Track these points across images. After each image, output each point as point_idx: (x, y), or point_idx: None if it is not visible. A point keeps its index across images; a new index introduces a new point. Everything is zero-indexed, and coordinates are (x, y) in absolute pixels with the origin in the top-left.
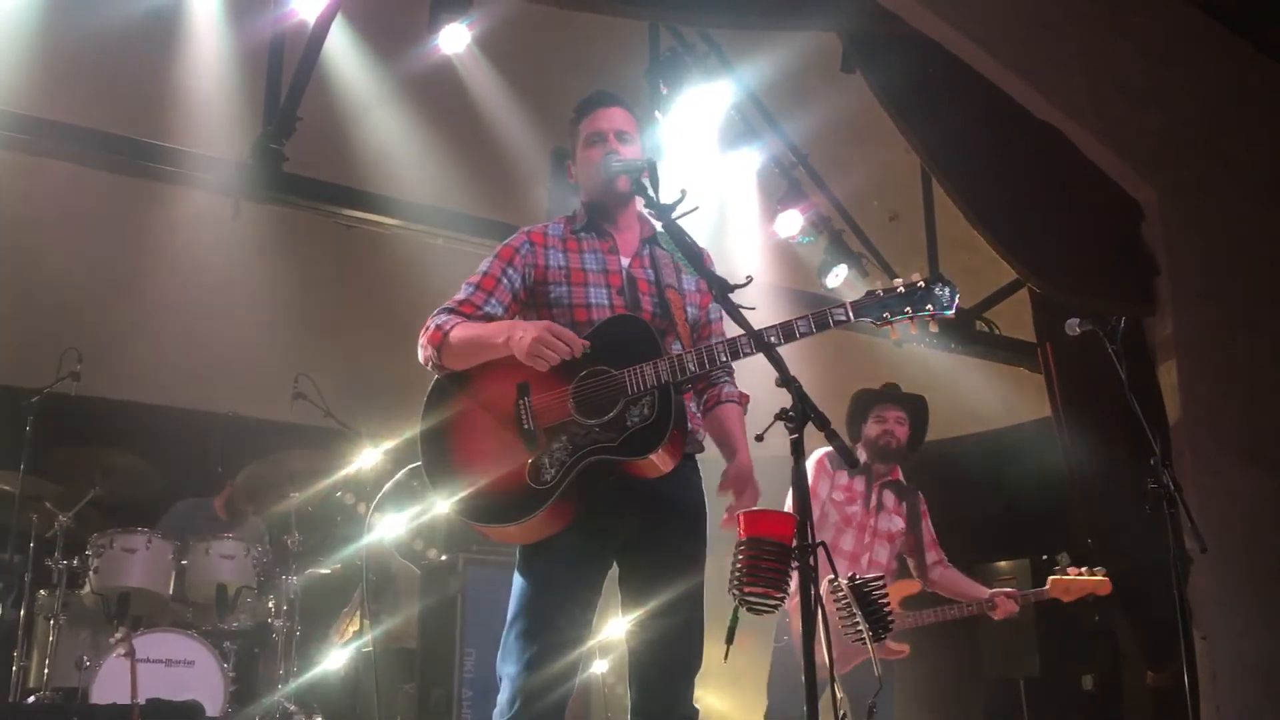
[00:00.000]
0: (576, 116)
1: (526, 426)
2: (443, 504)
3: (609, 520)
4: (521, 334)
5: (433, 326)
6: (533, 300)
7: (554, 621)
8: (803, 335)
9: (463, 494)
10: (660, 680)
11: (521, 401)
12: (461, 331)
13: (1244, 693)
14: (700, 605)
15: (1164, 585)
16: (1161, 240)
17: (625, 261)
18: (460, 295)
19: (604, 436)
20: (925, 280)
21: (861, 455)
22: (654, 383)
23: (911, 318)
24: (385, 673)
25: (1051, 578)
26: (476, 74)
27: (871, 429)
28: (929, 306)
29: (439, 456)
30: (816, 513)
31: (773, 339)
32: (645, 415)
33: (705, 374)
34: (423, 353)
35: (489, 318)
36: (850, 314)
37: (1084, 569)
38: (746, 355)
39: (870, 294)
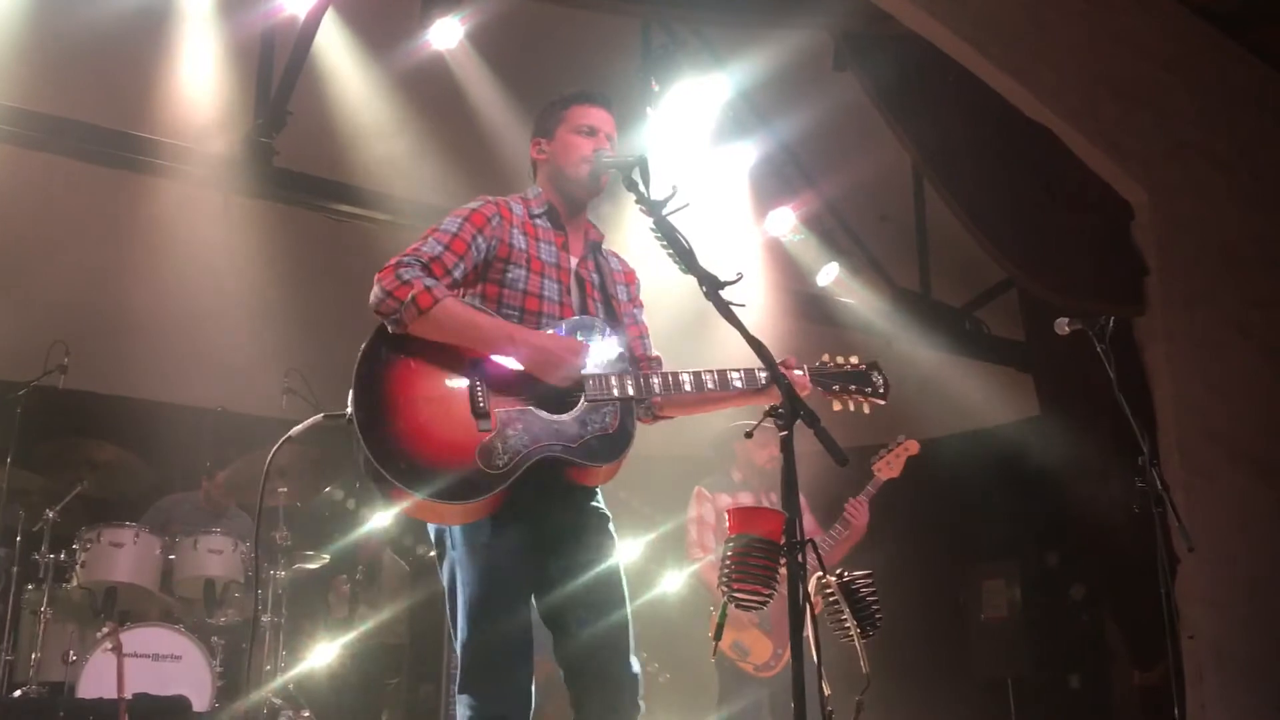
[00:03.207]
0: (564, 101)
1: (481, 405)
2: (371, 461)
3: (538, 516)
4: (548, 355)
5: (419, 287)
6: (482, 274)
7: (508, 614)
8: (765, 385)
9: (401, 458)
10: (607, 666)
11: (479, 378)
12: (455, 310)
13: (1230, 692)
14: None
15: (1151, 585)
16: (1152, 241)
17: (574, 262)
18: (430, 251)
19: (562, 435)
20: (866, 364)
21: (737, 476)
22: (618, 393)
23: (851, 395)
24: (372, 668)
25: (873, 466)
26: (468, 69)
27: (759, 455)
28: (867, 389)
29: (379, 413)
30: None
31: (738, 382)
32: (605, 424)
33: (664, 397)
34: (389, 303)
35: (455, 284)
36: (807, 378)
37: (890, 444)
38: (710, 390)
39: (822, 364)
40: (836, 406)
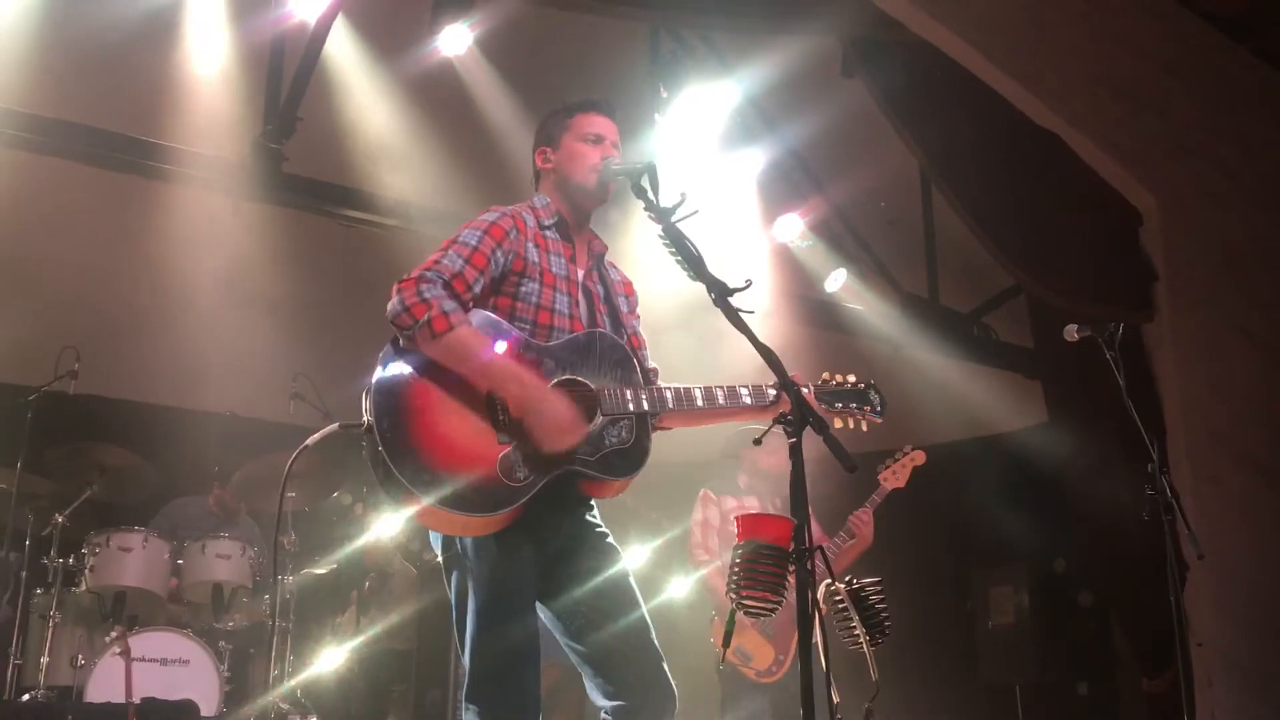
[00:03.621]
0: (569, 110)
1: (501, 418)
2: (393, 471)
3: (549, 527)
4: (547, 407)
5: (437, 309)
6: (496, 287)
7: (518, 622)
8: (772, 400)
9: (424, 469)
10: (645, 667)
11: (495, 391)
12: (468, 340)
13: (1239, 700)
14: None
15: (1160, 591)
16: (1160, 246)
17: (581, 274)
18: (452, 266)
19: (582, 449)
20: (864, 382)
21: (744, 481)
22: (633, 408)
23: (852, 413)
24: (380, 673)
25: (879, 475)
26: (477, 75)
27: (766, 460)
28: (866, 407)
29: (400, 422)
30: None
31: (747, 398)
32: (623, 438)
33: (678, 413)
34: (405, 318)
35: (475, 298)
36: (812, 394)
37: (897, 454)
38: (721, 405)
39: (824, 381)
40: (838, 424)
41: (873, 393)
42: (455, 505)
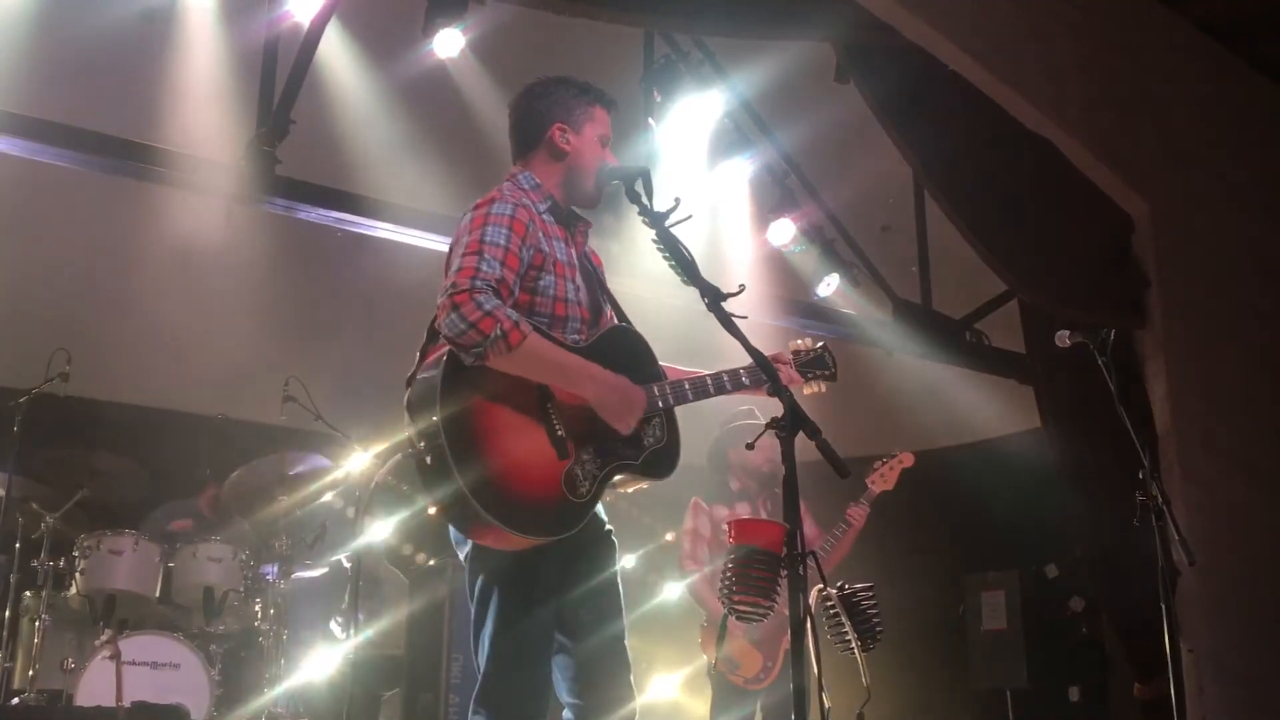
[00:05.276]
0: (593, 97)
1: (559, 433)
2: (471, 500)
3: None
4: (622, 400)
5: (507, 322)
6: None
7: (537, 623)
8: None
9: (501, 496)
10: (613, 675)
11: (550, 405)
12: (541, 347)
13: (1231, 705)
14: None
15: (1152, 597)
16: (1152, 253)
17: (576, 255)
18: (493, 272)
19: (627, 453)
20: (821, 345)
21: (735, 483)
22: (661, 405)
23: (819, 379)
24: (371, 678)
25: (867, 479)
26: (471, 79)
27: (755, 458)
28: (826, 372)
29: (473, 448)
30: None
31: (746, 379)
32: (659, 436)
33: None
34: (472, 335)
35: (515, 303)
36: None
37: (886, 457)
38: (728, 389)
39: (796, 353)
40: (807, 390)
41: (827, 354)
42: (531, 531)
